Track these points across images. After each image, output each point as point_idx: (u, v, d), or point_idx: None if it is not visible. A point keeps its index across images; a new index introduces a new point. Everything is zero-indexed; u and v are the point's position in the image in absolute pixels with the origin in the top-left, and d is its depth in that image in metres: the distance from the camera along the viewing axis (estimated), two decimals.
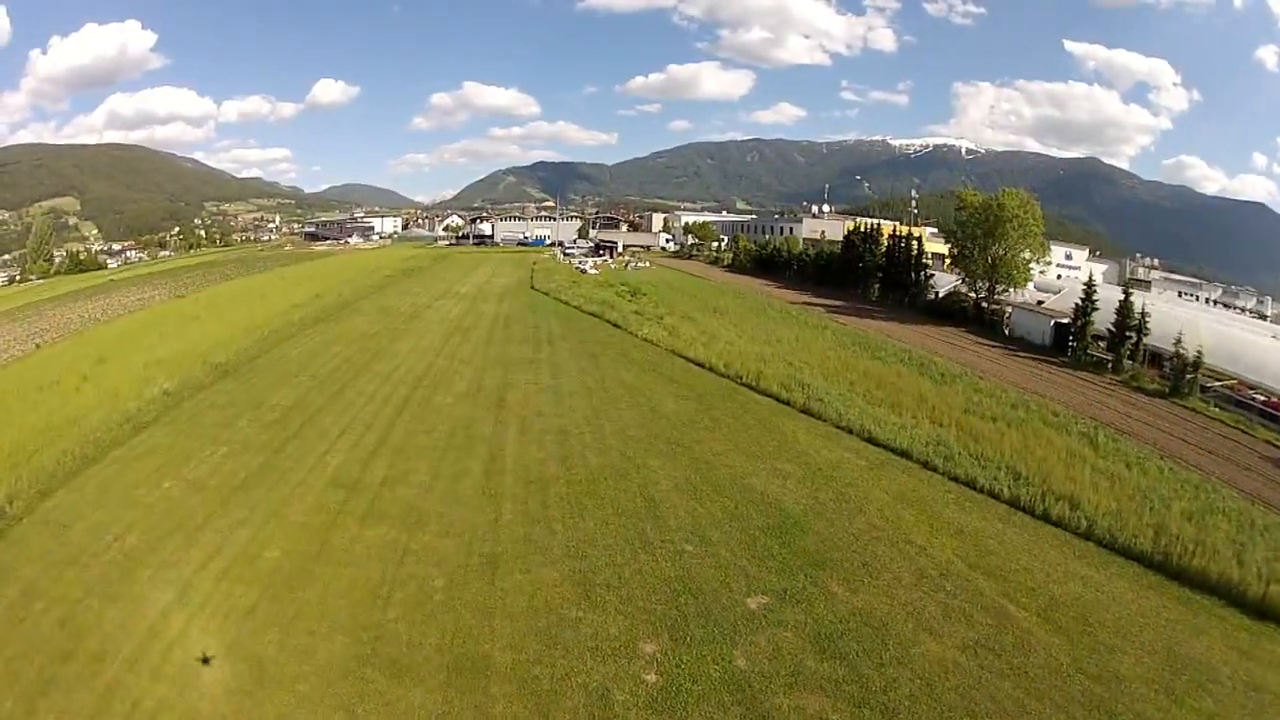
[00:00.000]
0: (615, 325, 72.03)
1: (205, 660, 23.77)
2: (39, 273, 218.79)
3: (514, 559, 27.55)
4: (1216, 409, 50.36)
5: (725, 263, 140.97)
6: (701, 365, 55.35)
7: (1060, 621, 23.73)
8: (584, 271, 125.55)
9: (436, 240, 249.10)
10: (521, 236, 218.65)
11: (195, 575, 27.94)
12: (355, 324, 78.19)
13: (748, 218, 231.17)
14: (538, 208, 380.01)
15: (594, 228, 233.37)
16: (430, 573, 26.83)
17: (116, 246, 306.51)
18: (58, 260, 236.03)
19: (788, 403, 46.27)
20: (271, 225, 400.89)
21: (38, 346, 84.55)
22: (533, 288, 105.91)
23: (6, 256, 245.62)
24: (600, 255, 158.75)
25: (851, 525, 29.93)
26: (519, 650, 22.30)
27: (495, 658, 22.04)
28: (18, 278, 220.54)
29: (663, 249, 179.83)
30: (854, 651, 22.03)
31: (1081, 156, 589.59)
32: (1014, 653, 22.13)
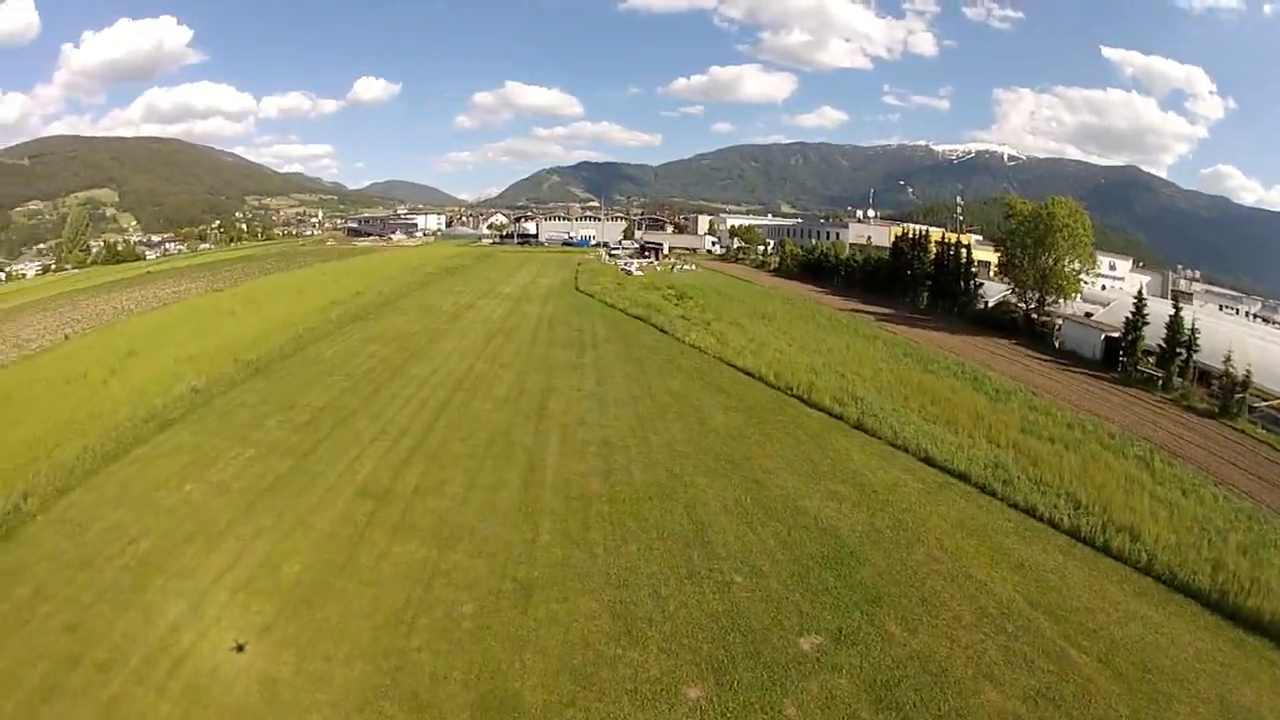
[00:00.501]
0: (661, 330, 70.41)
1: (240, 648, 23.18)
2: (75, 262, 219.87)
3: (550, 585, 25.91)
4: (1264, 430, 48.02)
5: (772, 267, 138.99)
6: (751, 375, 53.46)
7: (1120, 667, 22.05)
8: (629, 273, 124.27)
9: (480, 239, 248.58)
10: (566, 236, 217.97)
11: (211, 586, 26.90)
12: (394, 323, 76.87)
13: (793, 221, 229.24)
14: (582, 208, 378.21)
15: (639, 229, 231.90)
16: (459, 597, 25.31)
17: (156, 238, 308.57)
18: (94, 251, 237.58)
19: (841, 417, 44.24)
20: (314, 220, 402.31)
21: (66, 338, 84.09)
22: (577, 289, 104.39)
23: (41, 246, 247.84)
24: (645, 257, 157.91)
25: (910, 556, 28.01)
26: (551, 690, 20.70)
27: (525, 697, 20.46)
28: (52, 267, 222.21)
29: (708, 252, 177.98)
30: (911, 701, 20.29)
31: (1122, 165, 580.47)
32: (1074, 703, 20.46)
